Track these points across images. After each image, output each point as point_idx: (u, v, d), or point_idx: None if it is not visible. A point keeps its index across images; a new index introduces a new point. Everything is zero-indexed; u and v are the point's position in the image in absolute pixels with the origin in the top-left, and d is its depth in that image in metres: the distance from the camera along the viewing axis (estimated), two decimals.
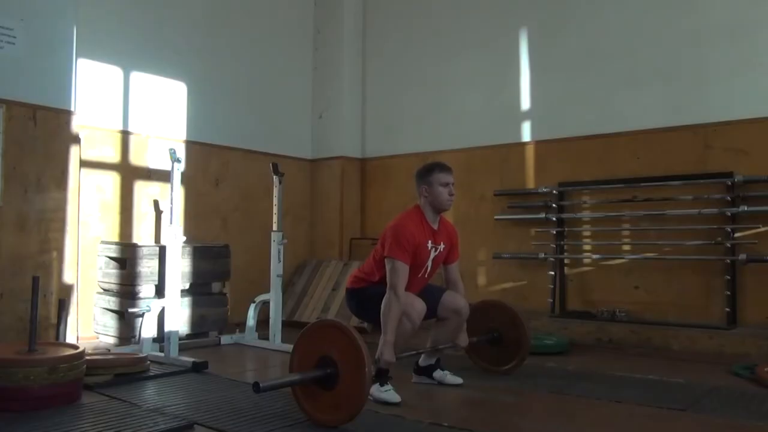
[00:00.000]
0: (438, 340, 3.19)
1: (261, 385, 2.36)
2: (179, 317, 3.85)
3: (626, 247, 4.66)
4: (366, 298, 3.07)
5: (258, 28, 5.77)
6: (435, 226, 3.09)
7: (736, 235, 4.19)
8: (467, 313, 3.16)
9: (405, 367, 3.28)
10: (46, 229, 3.74)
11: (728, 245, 4.20)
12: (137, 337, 3.92)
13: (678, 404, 2.78)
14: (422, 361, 3.25)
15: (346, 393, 2.43)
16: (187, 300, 4.33)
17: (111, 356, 3.41)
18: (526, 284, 5.04)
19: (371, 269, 3.09)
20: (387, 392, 2.80)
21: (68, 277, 3.83)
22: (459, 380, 3.19)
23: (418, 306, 2.90)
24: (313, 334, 2.59)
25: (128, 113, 4.79)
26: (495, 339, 3.49)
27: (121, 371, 3.19)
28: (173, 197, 3.79)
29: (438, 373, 3.21)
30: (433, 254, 3.07)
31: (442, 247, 3.11)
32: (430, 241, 3.05)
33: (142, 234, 4.80)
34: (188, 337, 4.29)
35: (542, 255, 4.87)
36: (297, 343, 2.62)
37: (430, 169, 3.11)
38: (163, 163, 4.75)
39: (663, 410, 2.71)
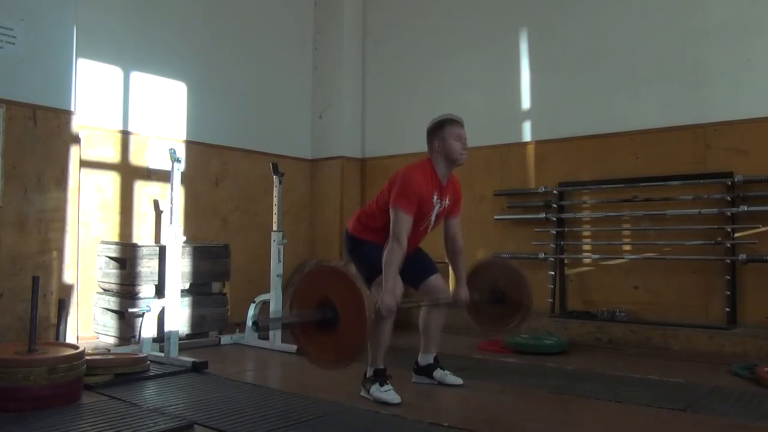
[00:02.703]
0: (427, 333, 3.18)
1: (260, 324, 2.37)
2: (179, 317, 3.85)
3: (626, 247, 4.66)
4: (363, 257, 3.02)
5: (258, 29, 5.77)
6: (444, 182, 3.05)
7: (736, 235, 4.19)
8: (447, 296, 3.14)
9: (405, 367, 3.28)
10: (46, 229, 3.74)
11: (728, 245, 4.20)
12: (137, 337, 3.92)
13: (678, 404, 2.78)
14: (421, 360, 3.24)
15: (346, 336, 2.47)
16: (187, 300, 4.32)
17: (111, 356, 3.41)
18: None
19: (373, 213, 3.04)
20: (387, 392, 2.80)
21: (68, 277, 3.83)
22: (459, 381, 3.18)
23: (397, 298, 2.83)
24: (313, 278, 2.63)
25: (128, 113, 4.79)
26: (497, 298, 3.43)
27: (121, 371, 3.19)
28: (173, 197, 3.79)
29: (438, 373, 3.20)
30: (437, 208, 3.04)
31: (447, 202, 3.08)
32: (436, 195, 3.01)
33: (142, 234, 4.80)
34: (188, 337, 4.29)
35: (542, 255, 4.87)
36: (297, 286, 2.65)
37: (441, 123, 3.06)
38: (163, 163, 4.75)
39: (663, 410, 2.71)
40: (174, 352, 3.62)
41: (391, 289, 2.79)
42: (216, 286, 4.60)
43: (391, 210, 2.91)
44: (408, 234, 2.88)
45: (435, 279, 3.14)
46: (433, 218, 3.05)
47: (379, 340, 2.86)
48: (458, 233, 3.20)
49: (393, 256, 2.82)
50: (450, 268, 3.26)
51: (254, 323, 2.39)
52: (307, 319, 2.52)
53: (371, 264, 2.92)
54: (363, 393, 2.91)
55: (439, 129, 3.05)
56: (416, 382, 3.23)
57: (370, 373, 2.89)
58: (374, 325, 2.81)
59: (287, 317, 2.57)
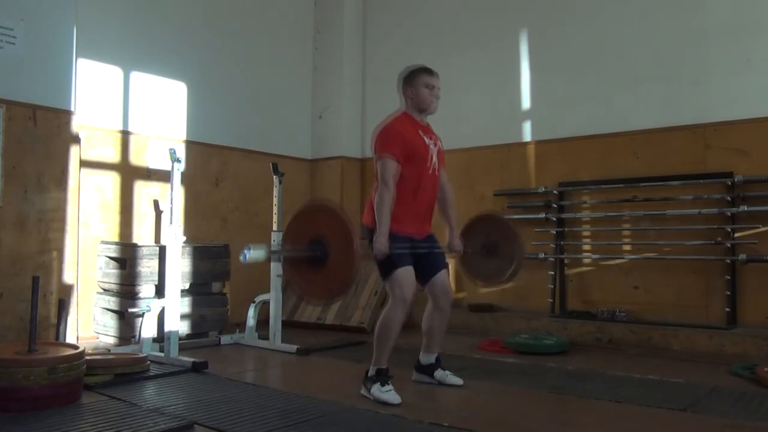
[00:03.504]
0: (429, 332, 3.18)
1: (247, 255, 2.46)
2: (179, 317, 3.84)
3: (626, 247, 4.66)
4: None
5: (258, 28, 5.77)
6: (424, 123, 3.09)
7: (736, 235, 4.19)
8: (450, 296, 3.16)
9: (405, 367, 3.28)
10: (46, 229, 3.74)
11: (728, 245, 4.20)
12: (137, 337, 3.92)
13: (678, 404, 2.78)
14: (423, 359, 3.24)
15: (336, 270, 2.56)
16: (187, 300, 4.32)
17: (111, 356, 3.41)
18: (526, 284, 5.04)
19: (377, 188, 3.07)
20: (387, 393, 2.80)
21: (68, 277, 3.83)
22: (459, 381, 3.18)
23: (409, 294, 2.88)
24: (304, 217, 2.73)
25: (128, 113, 4.79)
26: (489, 251, 3.45)
27: (121, 371, 3.19)
28: (173, 197, 3.79)
29: (439, 373, 3.20)
30: (432, 147, 3.05)
31: (439, 143, 3.11)
32: (421, 133, 3.02)
33: (142, 234, 4.81)
34: (188, 337, 4.29)
35: (542, 255, 4.86)
36: (289, 224, 2.76)
37: (414, 71, 3.09)
38: (163, 163, 4.75)
39: (663, 410, 2.71)
40: (174, 352, 3.62)
41: (384, 233, 2.84)
42: (216, 286, 4.60)
43: (377, 162, 2.93)
44: (395, 178, 2.90)
45: (442, 276, 3.14)
46: (434, 158, 3.05)
47: (385, 339, 2.87)
48: (447, 183, 3.25)
49: (383, 200, 2.87)
50: (443, 217, 3.29)
51: (247, 248, 2.44)
52: (299, 254, 2.62)
53: (387, 256, 2.91)
54: (363, 391, 2.91)
55: (411, 76, 3.08)
56: (416, 380, 3.23)
57: (372, 372, 2.89)
58: (385, 321, 2.85)
59: (280, 250, 2.68)
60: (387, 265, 2.93)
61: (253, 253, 2.51)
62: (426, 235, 3.11)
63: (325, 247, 2.60)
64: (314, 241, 2.63)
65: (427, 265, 3.09)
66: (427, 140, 3.05)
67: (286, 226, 2.79)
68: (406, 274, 2.91)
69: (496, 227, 3.48)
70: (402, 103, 3.12)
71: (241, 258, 2.47)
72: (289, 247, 2.69)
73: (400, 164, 2.92)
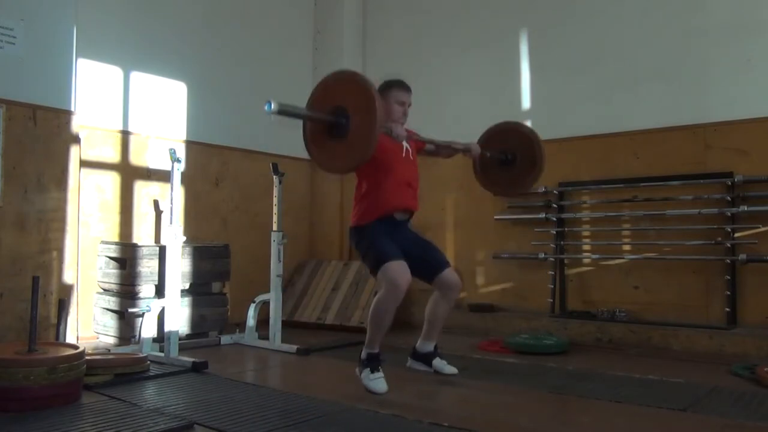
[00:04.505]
0: (432, 321, 3.19)
1: (272, 105, 2.49)
2: (179, 317, 3.85)
3: (626, 247, 4.66)
4: (367, 244, 2.98)
5: (258, 28, 5.77)
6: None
7: (736, 235, 4.19)
8: (459, 289, 3.17)
9: (405, 367, 3.29)
10: (46, 229, 3.74)
11: (728, 245, 4.20)
12: (137, 337, 3.92)
13: (678, 404, 2.78)
14: (420, 346, 3.24)
15: (356, 139, 2.60)
16: (187, 300, 4.32)
17: (111, 356, 3.41)
18: (526, 284, 5.04)
19: (358, 187, 3.07)
20: (375, 380, 2.79)
21: (68, 277, 3.83)
22: (455, 370, 3.21)
23: (402, 281, 2.81)
24: (329, 85, 2.76)
25: (128, 113, 4.79)
26: (508, 160, 3.41)
27: (121, 371, 3.19)
28: (173, 197, 3.79)
29: (437, 362, 3.22)
30: (405, 144, 3.07)
31: (415, 135, 3.16)
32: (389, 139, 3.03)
33: (142, 234, 4.81)
34: (188, 337, 4.29)
35: (542, 255, 4.87)
36: (314, 93, 2.80)
37: (388, 84, 3.10)
38: (163, 163, 4.75)
39: (663, 410, 2.71)
40: (174, 352, 3.62)
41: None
42: (216, 286, 4.60)
43: None
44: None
45: (448, 272, 3.14)
46: (407, 146, 3.07)
47: (379, 321, 2.84)
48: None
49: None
50: (451, 148, 3.41)
51: (268, 101, 2.46)
52: (322, 118, 2.68)
53: (375, 249, 2.90)
54: (357, 371, 2.95)
55: (385, 89, 3.08)
56: (411, 367, 3.22)
57: (364, 355, 2.89)
58: (377, 305, 2.84)
59: (304, 109, 2.72)
60: (375, 260, 2.89)
61: (276, 106, 2.52)
62: (410, 210, 3.08)
63: (347, 116, 2.63)
64: (337, 111, 2.67)
65: (428, 264, 3.08)
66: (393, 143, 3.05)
67: (310, 94, 2.81)
68: (397, 265, 2.85)
69: (515, 136, 3.46)
70: None
71: (266, 108, 2.48)
72: (314, 111, 2.72)
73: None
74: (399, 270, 2.84)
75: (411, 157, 3.11)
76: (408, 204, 3.06)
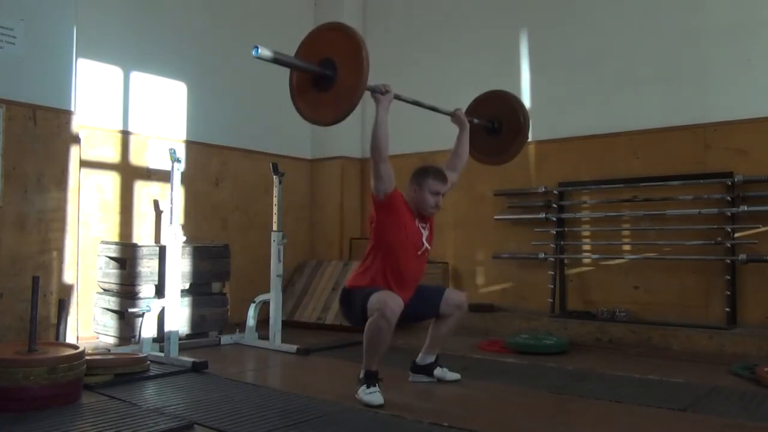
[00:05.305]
0: (437, 336, 3.18)
1: (259, 49, 2.52)
2: (179, 317, 3.85)
3: (626, 247, 4.66)
4: (351, 304, 2.96)
5: (258, 28, 5.76)
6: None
7: (736, 235, 4.19)
8: (466, 308, 3.16)
9: (405, 367, 3.28)
10: (46, 229, 3.74)
11: (728, 245, 4.20)
12: (137, 337, 3.92)
13: (678, 404, 2.78)
14: (421, 360, 3.24)
15: (342, 90, 2.64)
16: (187, 300, 4.32)
17: (111, 356, 3.41)
18: (526, 284, 5.04)
19: (366, 254, 3.04)
20: (371, 394, 2.74)
21: (68, 277, 3.83)
22: (457, 376, 3.22)
23: (393, 304, 2.76)
24: (316, 38, 2.81)
25: (128, 113, 4.79)
26: (494, 128, 3.42)
27: (121, 371, 3.19)
28: (173, 197, 3.79)
29: (438, 371, 3.21)
30: (424, 233, 3.06)
31: (428, 229, 3.12)
32: (415, 218, 3.03)
33: (142, 234, 4.80)
34: (188, 337, 4.29)
35: (542, 255, 4.87)
36: (301, 45, 2.83)
37: (425, 172, 3.08)
38: (163, 163, 4.75)
39: (663, 410, 2.71)
40: (174, 352, 3.62)
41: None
42: (216, 286, 4.60)
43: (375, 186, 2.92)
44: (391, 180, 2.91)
45: (449, 292, 3.16)
46: (424, 242, 3.06)
47: (376, 342, 2.79)
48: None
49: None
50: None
51: (255, 46, 2.51)
52: (308, 68, 2.73)
53: (365, 294, 2.87)
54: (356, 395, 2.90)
55: (421, 176, 3.07)
56: (414, 381, 3.22)
57: (361, 374, 2.86)
58: (368, 327, 2.80)
59: (291, 58, 2.75)
60: (362, 300, 2.85)
61: (263, 51, 2.55)
62: (413, 285, 3.07)
63: (335, 67, 2.66)
64: (324, 62, 2.69)
65: (427, 300, 3.08)
66: (418, 224, 3.05)
67: (299, 45, 2.83)
68: (383, 294, 2.82)
69: (502, 105, 3.48)
70: (407, 192, 3.11)
71: (253, 52, 2.53)
72: (302, 60, 2.75)
73: (392, 196, 2.91)
74: (386, 294, 2.82)
75: (426, 254, 3.09)
76: (404, 298, 2.94)
